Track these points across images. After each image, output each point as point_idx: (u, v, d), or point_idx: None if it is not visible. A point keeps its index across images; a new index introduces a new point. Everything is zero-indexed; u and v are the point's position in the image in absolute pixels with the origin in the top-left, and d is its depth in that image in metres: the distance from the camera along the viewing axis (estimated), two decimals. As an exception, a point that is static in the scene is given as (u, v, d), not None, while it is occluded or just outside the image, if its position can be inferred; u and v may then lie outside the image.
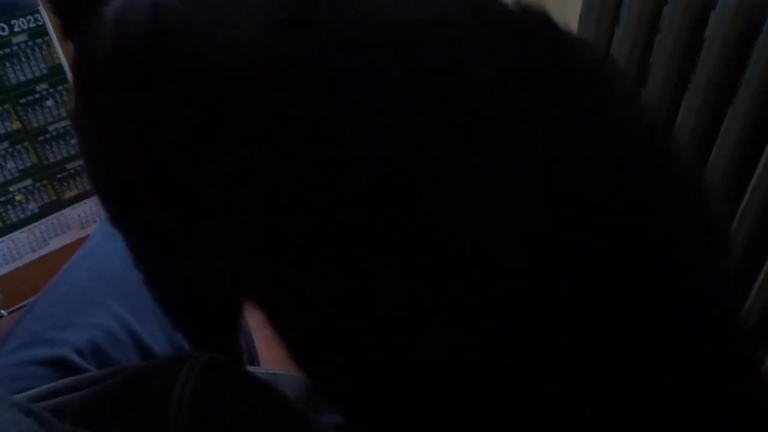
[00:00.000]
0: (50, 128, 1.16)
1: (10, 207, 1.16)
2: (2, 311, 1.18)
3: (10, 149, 1.13)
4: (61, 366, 0.47)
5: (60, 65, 1.14)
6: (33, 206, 1.19)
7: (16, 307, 1.19)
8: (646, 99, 0.79)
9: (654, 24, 0.77)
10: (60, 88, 1.15)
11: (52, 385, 0.40)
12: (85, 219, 1.27)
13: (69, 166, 1.21)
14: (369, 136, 0.23)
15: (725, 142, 0.72)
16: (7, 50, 1.08)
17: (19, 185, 1.16)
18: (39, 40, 1.11)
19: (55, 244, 1.24)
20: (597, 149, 0.23)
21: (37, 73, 1.12)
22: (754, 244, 0.73)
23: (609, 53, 0.82)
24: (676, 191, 0.24)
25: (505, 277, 0.22)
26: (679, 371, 0.23)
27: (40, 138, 1.16)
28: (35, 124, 1.14)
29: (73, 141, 1.19)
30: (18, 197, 1.16)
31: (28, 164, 1.16)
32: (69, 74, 1.16)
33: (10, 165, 1.13)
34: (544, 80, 0.24)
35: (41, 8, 1.09)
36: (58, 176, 1.20)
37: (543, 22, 0.26)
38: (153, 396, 0.39)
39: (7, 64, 1.08)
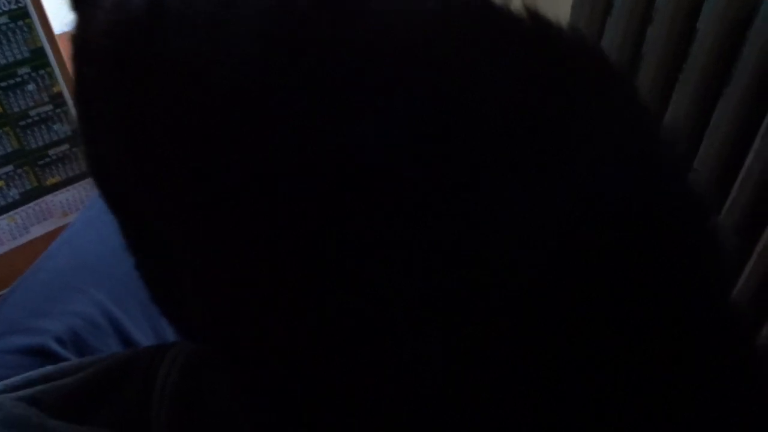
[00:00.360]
0: (32, 113, 1.14)
1: (-10, 193, 1.14)
2: (-18, 299, 1.17)
3: (-10, 134, 1.11)
4: (40, 354, 0.46)
5: (42, 48, 1.12)
6: (14, 192, 1.17)
7: (-3, 295, 1.17)
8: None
9: (647, 14, 0.77)
10: (42, 72, 1.13)
11: (30, 374, 0.39)
12: (67, 206, 1.25)
13: (51, 152, 1.19)
14: (374, 142, 0.22)
15: (716, 132, 0.72)
16: (-12, 32, 1.06)
17: (0, 171, 1.14)
18: (20, 23, 1.08)
19: (37, 231, 1.22)
20: (610, 160, 0.23)
21: (19, 57, 1.10)
22: (744, 233, 0.73)
23: (600, 42, 0.81)
24: (685, 207, 0.25)
25: (513, 291, 0.22)
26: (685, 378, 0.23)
27: (21, 123, 1.13)
28: (16, 109, 1.12)
29: (55, 126, 1.17)
30: (-2, 183, 1.14)
31: (9, 150, 1.13)
32: (51, 58, 1.13)
33: (-9, 150, 1.12)
34: (556, 90, 0.24)
35: (23, -10, 1.06)
36: (40, 162, 1.18)
37: (551, 28, 0.25)
38: (134, 386, 0.38)
39: (-12, 47, 1.06)
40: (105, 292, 0.54)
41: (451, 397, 0.24)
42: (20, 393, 0.36)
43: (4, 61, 1.08)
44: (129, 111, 0.28)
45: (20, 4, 1.07)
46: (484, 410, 0.24)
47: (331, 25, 0.24)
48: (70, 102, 1.17)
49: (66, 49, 1.12)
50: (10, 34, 1.08)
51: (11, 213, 1.18)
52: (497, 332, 0.23)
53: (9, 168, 1.14)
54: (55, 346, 0.47)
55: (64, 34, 1.17)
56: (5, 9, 1.06)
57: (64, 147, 1.19)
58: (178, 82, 0.25)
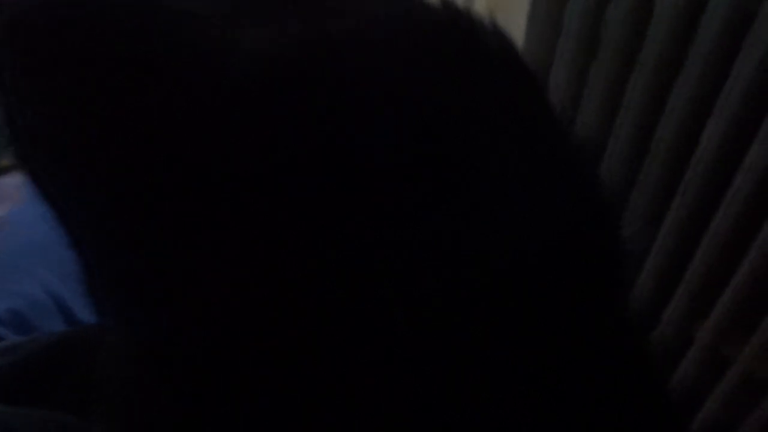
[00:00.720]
0: (-16, 92, 1.11)
1: (-59, 175, 1.11)
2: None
3: (-60, 114, 1.07)
4: (-24, 334, 0.45)
5: (-7, 25, 1.08)
6: (-33, 174, 1.14)
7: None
8: (596, 73, 0.80)
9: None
10: (-6, 49, 1.10)
11: (-39, 354, 0.37)
12: (24, 188, 1.22)
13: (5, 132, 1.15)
14: (375, 142, 0.23)
15: (673, 111, 0.73)
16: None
17: (-48, 152, 1.11)
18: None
19: (-8, 214, 1.19)
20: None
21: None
22: (700, 206, 0.75)
23: (560, 23, 0.82)
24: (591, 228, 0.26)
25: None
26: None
27: (-26, 102, 1.10)
28: (-32, 88, 1.08)
29: (9, 106, 1.14)
30: (-50, 165, 1.11)
31: (-39, 130, 1.10)
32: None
33: (-59, 130, 1.08)
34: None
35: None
36: (-6, 143, 1.15)
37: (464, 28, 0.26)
38: (75, 365, 0.37)
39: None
40: (52, 271, 0.53)
41: (451, 397, 0.24)
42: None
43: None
44: (112, 108, 0.27)
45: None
46: (485, 410, 0.24)
47: (333, 28, 0.24)
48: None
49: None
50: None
51: (-36, 195, 1.15)
52: (498, 332, 0.23)
53: (-39, 149, 1.11)
54: (-7, 326, 0.46)
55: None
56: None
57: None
58: (176, 80, 0.25)
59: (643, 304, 0.85)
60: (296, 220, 0.23)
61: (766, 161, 0.67)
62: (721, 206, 0.72)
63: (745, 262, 0.72)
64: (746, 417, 0.80)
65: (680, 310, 0.82)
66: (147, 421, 0.31)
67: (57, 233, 0.45)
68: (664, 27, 0.71)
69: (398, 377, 0.24)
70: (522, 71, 0.26)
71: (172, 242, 0.25)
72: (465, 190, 0.23)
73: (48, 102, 0.28)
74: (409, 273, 0.23)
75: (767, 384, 0.77)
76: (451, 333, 0.23)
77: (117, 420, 0.34)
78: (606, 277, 0.26)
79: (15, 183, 1.22)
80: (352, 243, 0.23)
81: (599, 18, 0.78)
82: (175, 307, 0.28)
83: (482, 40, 0.25)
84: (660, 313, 0.85)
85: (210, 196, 0.24)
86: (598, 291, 0.25)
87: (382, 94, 0.23)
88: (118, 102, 0.26)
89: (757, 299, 0.74)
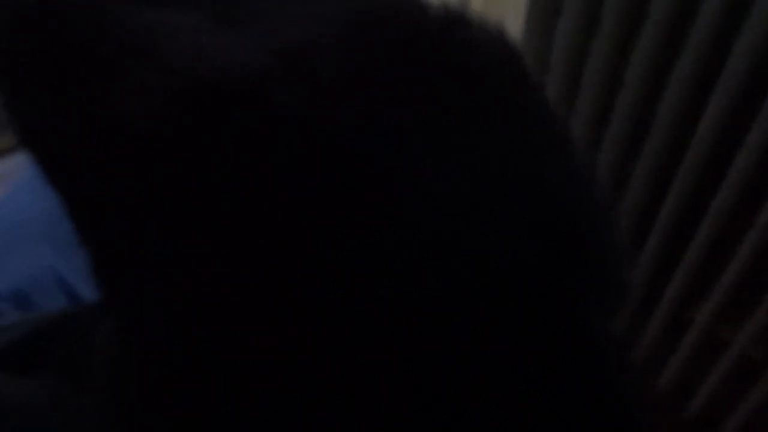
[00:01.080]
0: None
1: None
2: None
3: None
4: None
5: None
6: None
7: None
8: (595, 52, 0.80)
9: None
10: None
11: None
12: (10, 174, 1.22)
13: None
14: (376, 143, 0.23)
15: (673, 90, 0.73)
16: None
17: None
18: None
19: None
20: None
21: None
22: (701, 188, 0.75)
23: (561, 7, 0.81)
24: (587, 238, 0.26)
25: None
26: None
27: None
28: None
29: None
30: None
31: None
32: None
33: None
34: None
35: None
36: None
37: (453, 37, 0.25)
38: (72, 342, 0.38)
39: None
40: (52, 248, 0.53)
41: (451, 397, 0.24)
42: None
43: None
44: (104, 107, 0.27)
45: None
46: (486, 410, 0.24)
47: (311, 35, 0.24)
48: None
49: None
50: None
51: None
52: (498, 332, 0.23)
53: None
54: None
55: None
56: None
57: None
58: (177, 79, 0.25)
59: (642, 286, 0.85)
60: (296, 220, 0.23)
61: (766, 143, 0.67)
62: (721, 188, 0.72)
63: (744, 246, 0.73)
64: (742, 398, 0.81)
65: (679, 292, 0.82)
66: (147, 420, 0.31)
67: (57, 212, 0.45)
68: (664, 5, 0.71)
69: (398, 377, 0.24)
70: (516, 69, 0.26)
71: (172, 242, 0.25)
72: (459, 189, 0.23)
73: (44, 97, 0.28)
74: (409, 273, 0.23)
75: (762, 366, 0.77)
76: (450, 333, 0.24)
77: (114, 419, 0.34)
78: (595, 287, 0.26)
79: (16, 163, 1.22)
80: (352, 243, 0.23)
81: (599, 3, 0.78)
82: (175, 307, 0.28)
83: (472, 39, 0.25)
84: (659, 294, 0.85)
85: (210, 196, 0.24)
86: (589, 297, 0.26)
87: (355, 97, 0.23)
88: (107, 102, 0.26)
89: (755, 283, 0.74)
